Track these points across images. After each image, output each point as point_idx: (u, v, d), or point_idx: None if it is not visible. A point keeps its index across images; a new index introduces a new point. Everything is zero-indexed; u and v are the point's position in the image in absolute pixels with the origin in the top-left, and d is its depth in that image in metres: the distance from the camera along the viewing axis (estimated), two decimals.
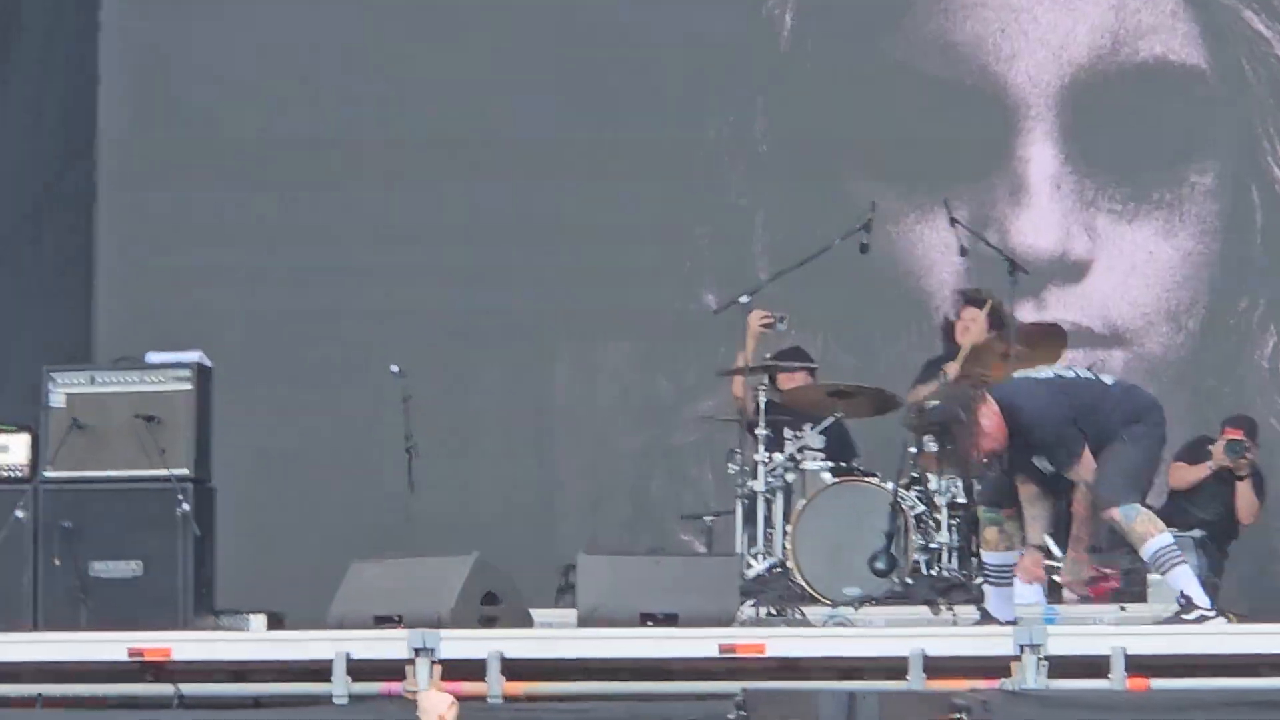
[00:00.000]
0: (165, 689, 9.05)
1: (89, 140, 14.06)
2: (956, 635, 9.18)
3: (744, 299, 11.16)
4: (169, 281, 13.40)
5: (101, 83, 14.09)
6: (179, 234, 13.46)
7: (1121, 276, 13.38)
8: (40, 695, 8.89)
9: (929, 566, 10.35)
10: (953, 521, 10.38)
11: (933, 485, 10.41)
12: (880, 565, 10.10)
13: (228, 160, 13.61)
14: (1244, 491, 10.82)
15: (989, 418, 9.13)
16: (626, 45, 13.32)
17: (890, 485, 10.31)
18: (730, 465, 11.01)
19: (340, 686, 8.76)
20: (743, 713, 7.80)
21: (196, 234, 13.41)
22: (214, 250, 13.32)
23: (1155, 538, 8.84)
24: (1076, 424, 9.24)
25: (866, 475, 10.58)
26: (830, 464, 10.70)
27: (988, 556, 9.57)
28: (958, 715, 7.97)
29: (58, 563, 9.81)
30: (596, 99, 13.58)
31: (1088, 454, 9.09)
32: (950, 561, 10.34)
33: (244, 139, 13.60)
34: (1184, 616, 8.74)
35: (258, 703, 9.14)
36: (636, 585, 9.33)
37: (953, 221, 11.22)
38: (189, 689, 9.00)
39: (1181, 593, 8.80)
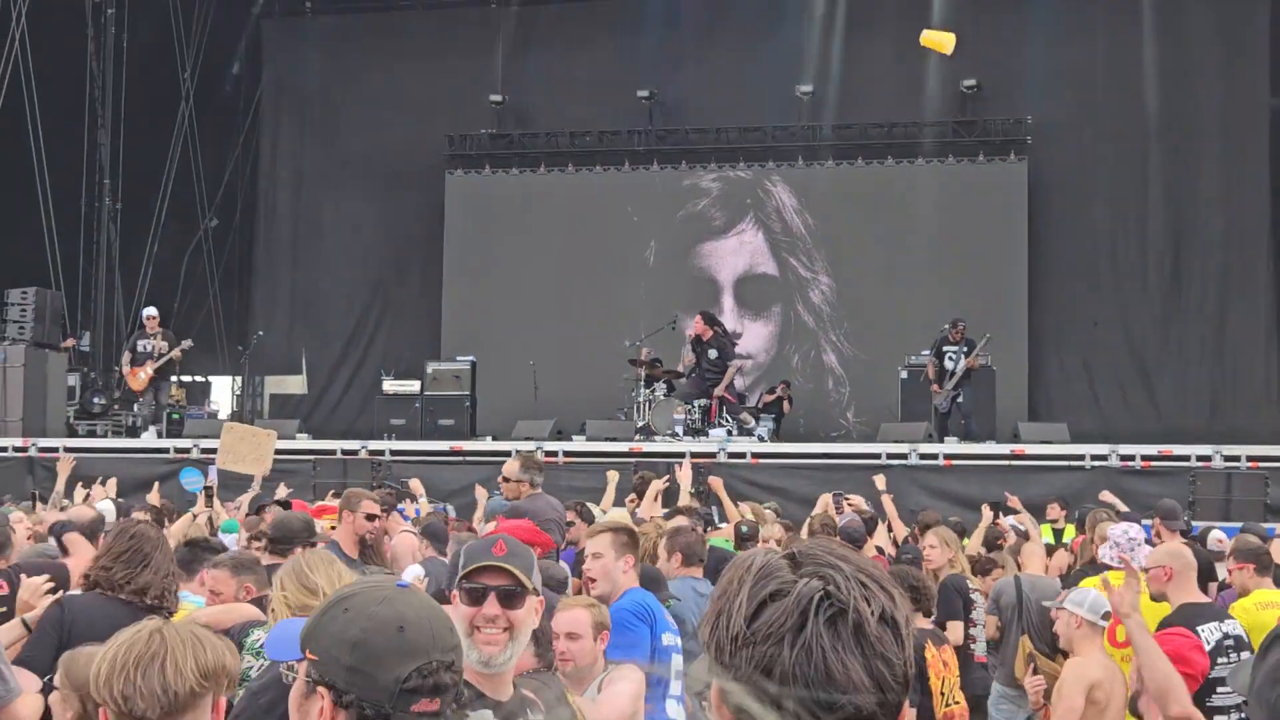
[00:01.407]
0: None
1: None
2: (702, 444, 17.31)
3: (639, 341, 19.36)
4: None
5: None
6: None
7: (757, 338, 21.74)
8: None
9: (691, 424, 18.13)
10: (703, 408, 18.31)
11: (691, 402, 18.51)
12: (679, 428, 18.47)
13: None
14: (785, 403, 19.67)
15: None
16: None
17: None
18: (634, 392, 18.69)
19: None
20: (637, 473, 12.35)
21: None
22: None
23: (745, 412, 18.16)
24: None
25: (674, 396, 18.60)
26: (666, 392, 18.58)
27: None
28: (704, 473, 13.54)
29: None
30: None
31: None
32: (699, 422, 18.18)
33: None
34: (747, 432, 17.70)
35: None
36: (602, 429, 18.20)
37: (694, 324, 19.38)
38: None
39: (729, 431, 17.73)
